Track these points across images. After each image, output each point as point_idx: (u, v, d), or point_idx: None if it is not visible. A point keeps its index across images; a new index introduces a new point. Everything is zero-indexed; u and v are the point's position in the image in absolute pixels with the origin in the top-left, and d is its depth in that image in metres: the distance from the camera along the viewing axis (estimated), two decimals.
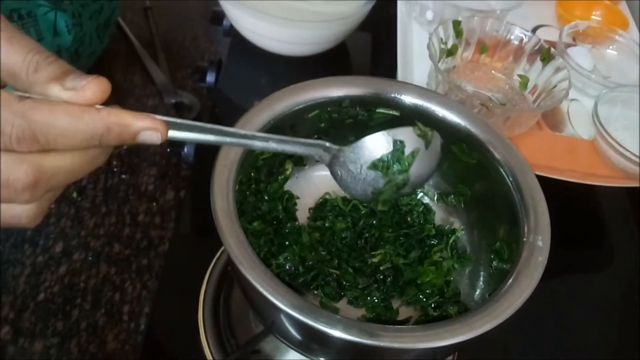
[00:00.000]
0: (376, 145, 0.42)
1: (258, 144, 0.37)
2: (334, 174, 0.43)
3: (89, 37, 0.80)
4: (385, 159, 0.42)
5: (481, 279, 0.48)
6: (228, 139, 0.36)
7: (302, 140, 0.40)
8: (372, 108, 0.50)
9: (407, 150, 0.42)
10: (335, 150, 0.42)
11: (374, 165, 0.42)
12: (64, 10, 0.72)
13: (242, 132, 0.37)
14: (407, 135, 0.42)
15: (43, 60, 0.30)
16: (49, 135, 0.29)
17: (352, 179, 0.43)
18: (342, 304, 0.48)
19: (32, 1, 0.68)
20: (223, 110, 0.77)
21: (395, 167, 0.42)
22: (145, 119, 0.32)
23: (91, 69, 0.86)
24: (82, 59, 0.79)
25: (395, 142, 0.42)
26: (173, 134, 0.33)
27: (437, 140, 0.44)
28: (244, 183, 0.46)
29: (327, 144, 0.41)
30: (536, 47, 0.72)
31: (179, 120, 0.34)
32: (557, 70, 0.69)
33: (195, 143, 0.35)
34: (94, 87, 0.30)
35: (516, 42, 0.73)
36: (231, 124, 0.44)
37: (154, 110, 0.88)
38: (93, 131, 0.30)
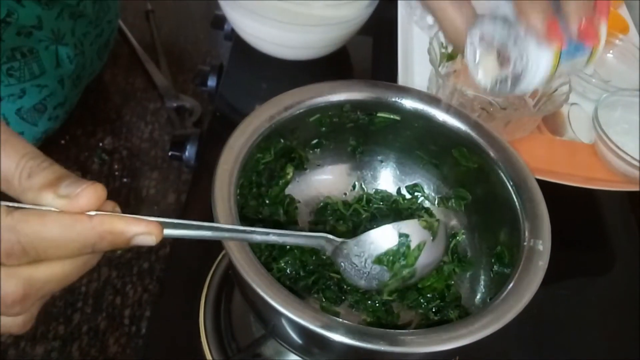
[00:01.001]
0: (381, 239, 0.41)
1: (258, 238, 0.37)
2: (336, 264, 0.43)
3: (89, 60, 0.80)
4: (391, 253, 0.41)
5: (482, 283, 0.48)
6: (227, 234, 0.36)
7: (304, 233, 0.39)
8: (373, 112, 0.50)
9: (413, 244, 0.41)
10: (338, 243, 0.41)
11: (379, 260, 0.41)
12: (65, 44, 0.72)
13: (241, 228, 0.36)
14: (413, 229, 0.42)
15: (37, 166, 0.29)
16: (39, 248, 0.28)
17: (357, 272, 0.42)
18: (343, 308, 0.48)
19: (33, 38, 0.68)
20: (224, 114, 0.77)
21: (401, 261, 0.41)
22: (139, 223, 0.31)
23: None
24: (83, 81, 0.80)
25: (400, 235, 0.41)
26: (169, 232, 0.33)
27: (442, 229, 0.43)
28: (245, 187, 0.47)
29: (330, 237, 0.40)
30: None
31: (175, 221, 0.33)
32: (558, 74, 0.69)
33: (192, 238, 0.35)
34: (89, 195, 0.29)
35: None
36: (233, 128, 0.44)
37: (156, 114, 0.88)
38: (85, 240, 0.29)
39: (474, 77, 0.44)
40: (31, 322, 0.31)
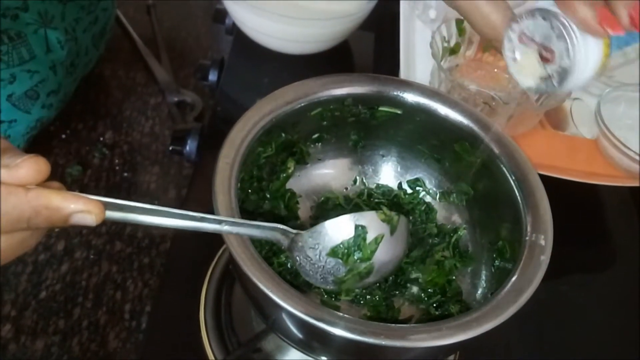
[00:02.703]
0: (337, 230, 0.40)
1: (208, 227, 0.35)
2: (293, 259, 0.41)
3: (84, 48, 0.79)
4: (346, 245, 0.40)
5: (483, 277, 0.48)
6: (173, 222, 0.34)
7: (258, 223, 0.37)
8: (375, 106, 0.50)
9: (370, 237, 0.40)
10: (293, 235, 0.40)
11: (334, 252, 0.40)
12: (54, 27, 0.71)
13: (191, 213, 0.34)
14: (370, 220, 0.41)
15: None
16: None
17: (312, 266, 0.41)
18: (343, 303, 0.47)
19: (20, 21, 0.67)
20: (225, 109, 0.77)
21: (357, 254, 0.40)
22: (78, 200, 0.29)
23: (93, 69, 0.86)
24: (78, 69, 0.79)
25: (357, 227, 0.40)
26: (112, 214, 0.31)
27: (403, 224, 0.42)
28: (246, 181, 0.46)
29: (284, 228, 0.39)
30: None
31: (118, 201, 0.31)
32: None
33: (137, 224, 0.33)
34: (28, 166, 0.28)
35: None
36: (234, 122, 0.44)
37: (157, 108, 0.88)
38: (19, 214, 0.28)
39: (515, 76, 0.42)
40: None
